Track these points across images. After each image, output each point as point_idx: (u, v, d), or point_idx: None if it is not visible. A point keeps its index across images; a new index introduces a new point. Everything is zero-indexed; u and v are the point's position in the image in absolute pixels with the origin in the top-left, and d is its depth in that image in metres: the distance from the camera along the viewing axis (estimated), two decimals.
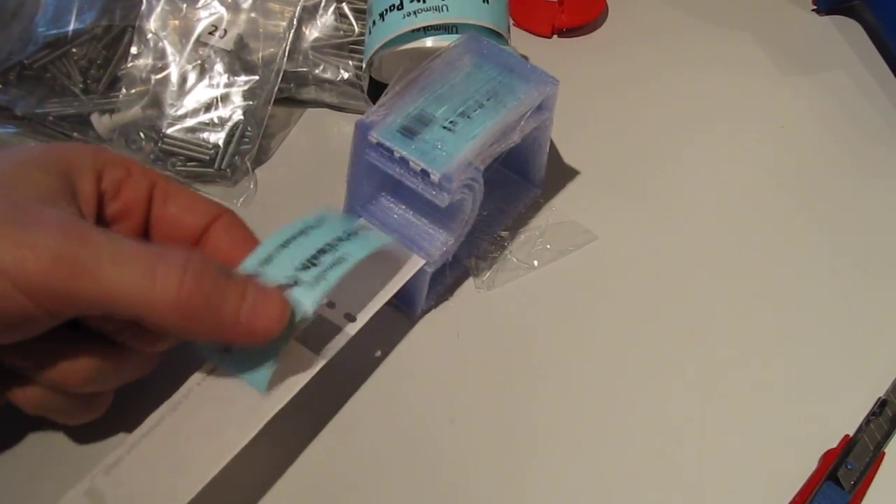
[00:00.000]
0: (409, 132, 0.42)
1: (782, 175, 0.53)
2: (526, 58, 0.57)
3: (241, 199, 0.51)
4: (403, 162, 0.42)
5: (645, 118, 0.56)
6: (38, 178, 0.34)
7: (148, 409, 0.38)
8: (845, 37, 0.61)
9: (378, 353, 0.45)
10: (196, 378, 0.40)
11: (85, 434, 0.41)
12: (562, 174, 0.52)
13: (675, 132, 0.55)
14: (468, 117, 0.43)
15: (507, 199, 0.50)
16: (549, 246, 0.49)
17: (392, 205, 0.46)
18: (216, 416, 0.40)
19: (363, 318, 0.42)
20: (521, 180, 0.51)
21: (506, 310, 0.47)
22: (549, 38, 0.60)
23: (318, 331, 0.42)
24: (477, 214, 0.45)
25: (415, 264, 0.44)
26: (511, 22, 0.55)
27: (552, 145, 0.52)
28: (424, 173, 0.41)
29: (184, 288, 0.33)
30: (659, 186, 0.52)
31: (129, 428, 0.38)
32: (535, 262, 0.48)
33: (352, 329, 0.42)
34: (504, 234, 0.49)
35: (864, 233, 0.50)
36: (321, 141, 0.54)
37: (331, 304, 0.43)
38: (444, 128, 0.42)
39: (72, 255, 0.31)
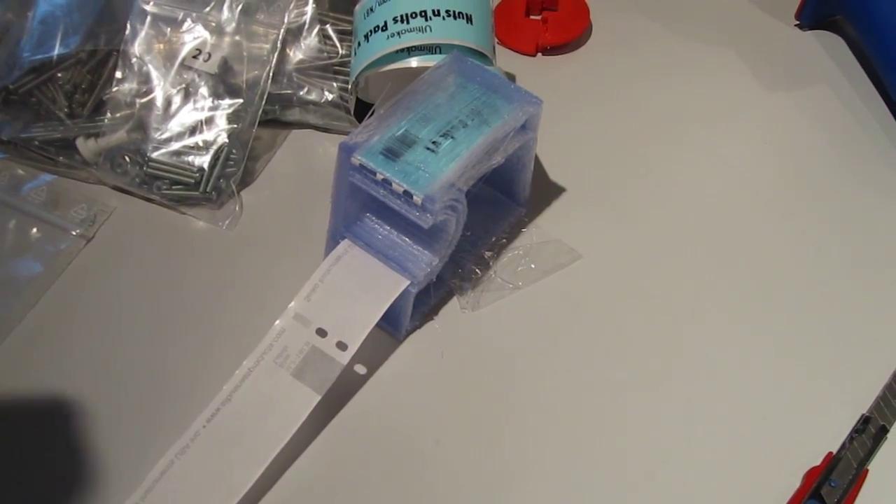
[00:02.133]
0: (392, 154, 0.42)
1: (765, 190, 0.53)
2: (512, 76, 0.58)
3: (227, 222, 0.51)
4: (386, 184, 0.42)
5: (628, 133, 0.56)
6: None
7: (158, 451, 0.38)
8: (828, 51, 0.61)
9: (363, 371, 0.45)
10: (201, 421, 0.41)
11: (99, 479, 0.41)
12: (547, 192, 0.52)
13: (659, 148, 0.55)
14: (452, 137, 0.43)
15: (491, 219, 0.50)
16: (533, 265, 0.49)
17: (376, 225, 0.46)
18: (223, 457, 0.40)
19: (353, 345, 0.43)
20: (505, 200, 0.51)
21: (490, 330, 0.47)
22: (534, 56, 0.61)
23: (313, 365, 0.42)
24: (461, 234, 0.45)
25: (399, 285, 0.44)
26: (496, 41, 0.56)
27: (537, 163, 0.52)
28: (407, 195, 0.41)
29: None
30: (643, 203, 0.52)
31: (139, 472, 0.39)
32: (520, 283, 0.48)
33: (344, 358, 0.43)
34: (489, 254, 0.49)
35: (847, 248, 0.50)
36: (306, 162, 0.54)
37: (322, 333, 0.43)
38: (428, 148, 0.43)
39: None
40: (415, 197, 0.41)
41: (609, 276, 0.49)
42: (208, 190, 0.51)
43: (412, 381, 0.45)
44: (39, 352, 0.46)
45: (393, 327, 0.46)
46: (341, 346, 0.43)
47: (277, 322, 0.43)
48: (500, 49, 0.60)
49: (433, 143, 0.43)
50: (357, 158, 0.42)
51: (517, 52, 0.61)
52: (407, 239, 0.46)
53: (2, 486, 0.41)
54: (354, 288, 0.44)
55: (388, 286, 0.44)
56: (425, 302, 0.47)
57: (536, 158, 0.52)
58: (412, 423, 0.43)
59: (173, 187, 0.51)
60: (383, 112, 0.44)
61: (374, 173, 0.42)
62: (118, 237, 0.51)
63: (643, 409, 0.44)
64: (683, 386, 0.45)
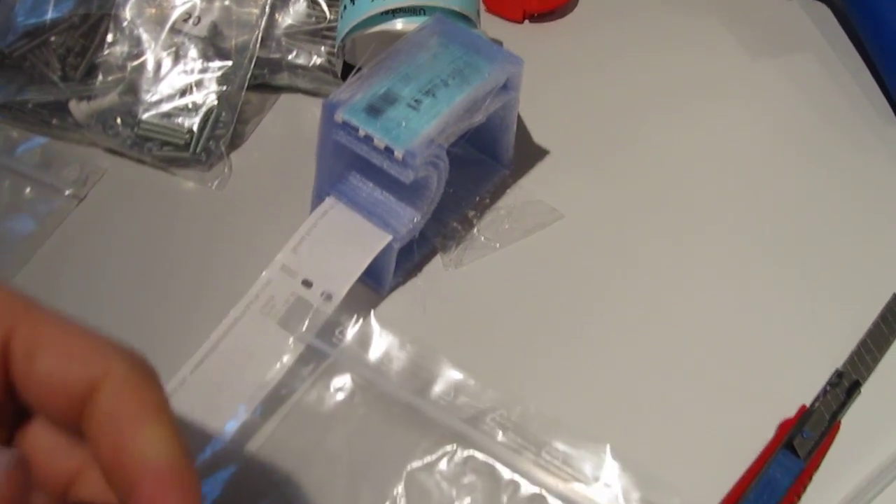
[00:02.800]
0: (374, 111, 0.43)
1: (748, 156, 0.54)
2: (499, 43, 0.58)
3: (216, 183, 0.52)
4: (368, 140, 0.43)
5: (615, 100, 0.56)
6: None
7: None
8: (814, 20, 0.62)
9: (348, 323, 0.46)
10: (188, 367, 0.42)
11: None
12: (531, 155, 0.53)
13: (644, 114, 0.56)
14: (433, 96, 0.44)
15: (475, 179, 0.51)
16: (516, 225, 0.50)
17: (360, 183, 0.47)
18: (209, 402, 0.41)
19: (338, 296, 0.44)
20: (489, 160, 0.52)
21: (473, 287, 0.48)
22: (521, 23, 0.61)
23: (298, 314, 0.43)
24: (444, 193, 0.46)
25: (382, 240, 0.45)
26: (482, 7, 0.56)
27: (522, 126, 0.53)
28: (388, 150, 0.42)
29: None
30: (626, 166, 0.53)
31: None
32: (503, 242, 0.49)
33: (328, 308, 0.44)
34: (472, 213, 0.50)
35: (827, 212, 0.51)
36: (295, 125, 0.55)
37: (308, 284, 0.44)
38: (409, 106, 0.43)
39: None
40: (396, 152, 0.42)
41: (590, 235, 0.50)
42: (198, 151, 0.52)
43: (395, 335, 0.46)
44: None
45: (377, 283, 0.47)
46: (326, 296, 0.44)
47: (264, 273, 0.44)
48: (486, 16, 0.60)
49: (415, 101, 0.44)
50: (340, 115, 0.43)
51: (504, 18, 0.62)
52: (390, 196, 0.46)
53: None
54: (339, 242, 0.45)
55: (372, 241, 0.45)
56: (409, 259, 0.48)
57: (522, 122, 0.53)
58: (394, 377, 0.44)
59: (163, 148, 0.52)
60: (367, 71, 0.45)
61: (357, 130, 0.43)
62: (110, 197, 0.52)
63: (620, 365, 0.45)
64: (662, 340, 0.46)
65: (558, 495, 0.38)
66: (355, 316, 0.45)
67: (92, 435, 0.26)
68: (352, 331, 0.45)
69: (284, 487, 0.40)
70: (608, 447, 0.39)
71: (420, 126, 0.43)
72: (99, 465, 0.26)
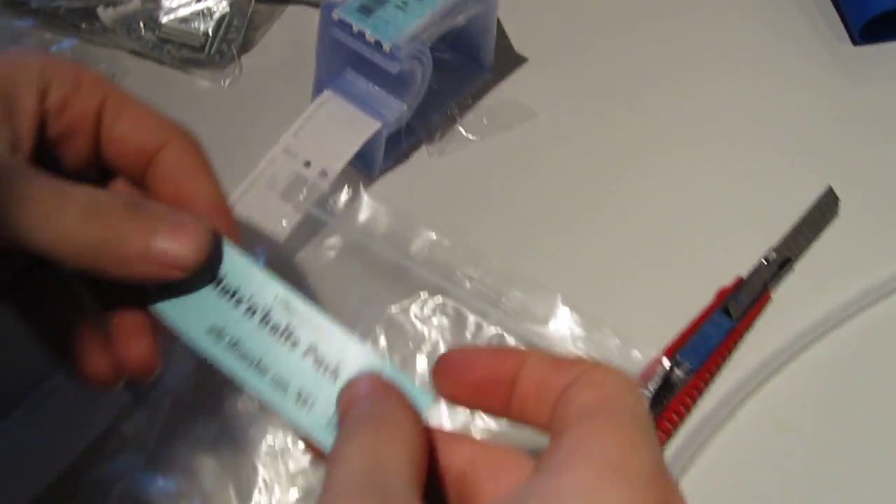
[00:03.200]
0: (366, 10, 0.49)
1: (708, 67, 0.59)
2: None
3: (227, 81, 0.58)
4: (360, 35, 0.49)
5: (591, 13, 0.62)
6: None
7: None
8: None
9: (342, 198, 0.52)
10: None
11: None
12: (510, 60, 0.59)
13: (615, 27, 0.61)
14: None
15: (458, 80, 0.57)
16: (493, 121, 0.56)
17: (354, 78, 0.53)
18: None
19: (333, 173, 0.50)
20: (471, 64, 0.58)
21: (453, 173, 0.54)
22: None
23: (297, 189, 0.50)
24: (429, 90, 0.52)
25: (372, 127, 0.51)
26: None
27: (503, 34, 0.59)
28: (378, 44, 0.48)
29: (83, 226, 0.30)
30: (596, 74, 0.59)
31: None
32: (481, 135, 0.55)
33: (324, 183, 0.50)
34: (455, 110, 0.56)
35: (777, 114, 0.57)
36: (300, 35, 0.61)
37: (307, 164, 0.50)
38: (397, 7, 0.49)
39: None
40: (384, 45, 0.48)
41: (561, 132, 0.56)
42: (212, 53, 0.58)
43: (382, 212, 0.52)
44: None
45: (368, 167, 0.54)
46: (322, 173, 0.50)
47: (270, 152, 0.50)
48: None
49: (403, 2, 0.50)
50: (337, 14, 0.49)
51: None
52: (380, 89, 0.52)
53: None
54: (335, 128, 0.51)
55: (364, 127, 0.51)
56: (397, 147, 0.54)
57: (503, 30, 0.59)
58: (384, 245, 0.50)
59: (181, 50, 0.58)
60: None
61: (351, 26, 0.49)
62: (133, 94, 0.58)
63: (578, 232, 0.51)
64: (618, 212, 0.52)
65: (515, 334, 0.45)
66: (350, 191, 0.51)
67: (155, 186, 0.35)
68: (344, 203, 0.51)
69: None
70: (559, 295, 0.45)
71: (406, 24, 0.49)
72: None
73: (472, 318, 0.46)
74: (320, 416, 0.30)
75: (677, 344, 0.47)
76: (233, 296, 0.32)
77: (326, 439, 0.30)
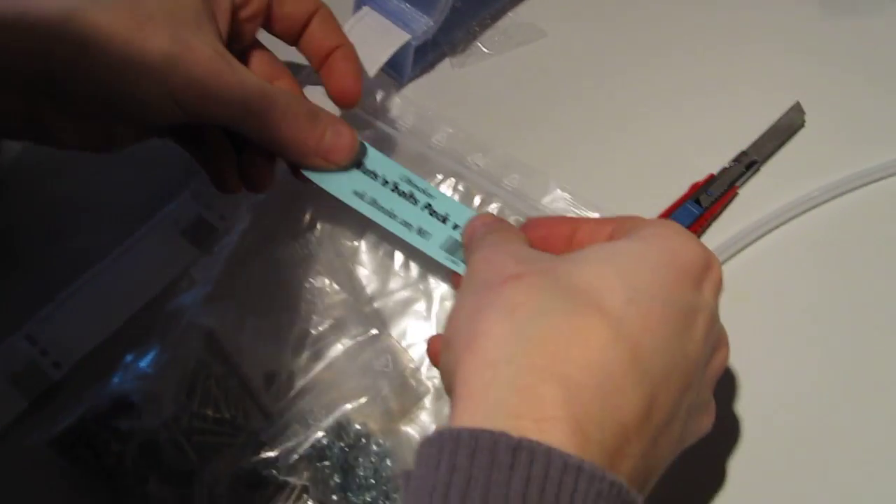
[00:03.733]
0: None
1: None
2: None
3: None
4: None
5: None
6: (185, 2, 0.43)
7: None
8: None
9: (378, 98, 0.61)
10: None
11: None
12: None
13: None
14: None
15: (479, 2, 0.65)
16: (508, 39, 0.64)
17: None
18: None
19: (370, 73, 0.59)
20: None
21: (471, 82, 0.63)
22: None
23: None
24: (453, 9, 0.60)
25: (403, 37, 0.60)
26: None
27: None
28: None
29: (279, 126, 0.46)
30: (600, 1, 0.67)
31: None
32: (497, 50, 0.64)
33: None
34: (476, 29, 0.65)
35: (755, 33, 0.65)
36: None
37: None
38: None
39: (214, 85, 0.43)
40: None
41: (564, 49, 0.64)
42: None
43: (411, 112, 0.61)
44: None
45: (399, 74, 0.62)
46: None
47: None
48: None
49: None
50: None
51: None
52: (411, 6, 0.61)
53: None
54: (371, 38, 0.60)
55: (395, 38, 0.60)
56: (424, 59, 0.63)
57: None
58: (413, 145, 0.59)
59: None
60: None
61: None
62: None
63: (575, 127, 0.60)
64: (611, 110, 0.61)
65: (514, 210, 0.54)
66: (383, 94, 0.61)
67: (310, 47, 0.52)
68: (379, 102, 0.60)
69: None
70: (551, 179, 0.55)
71: None
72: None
73: (478, 197, 0.55)
74: (435, 243, 0.48)
75: None
76: (371, 173, 0.50)
77: (439, 256, 0.48)
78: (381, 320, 0.51)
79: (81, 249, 0.54)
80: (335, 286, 0.51)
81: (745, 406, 0.50)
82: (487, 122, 0.60)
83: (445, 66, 0.64)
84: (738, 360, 0.51)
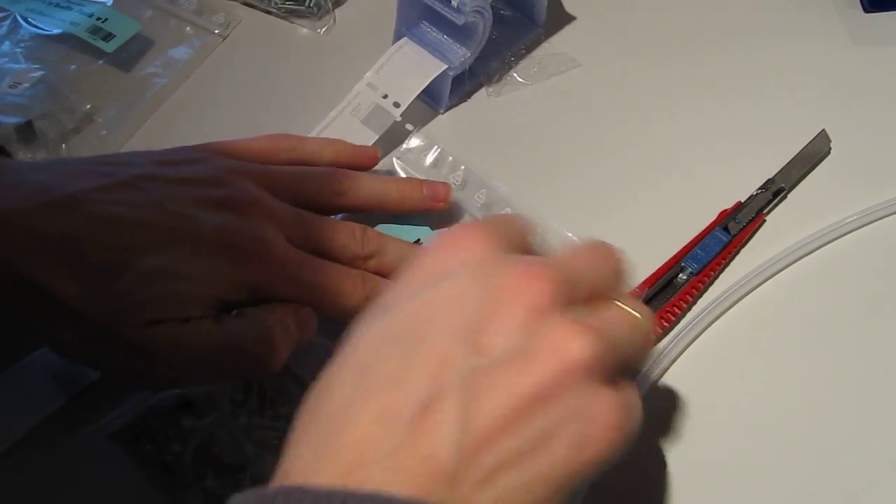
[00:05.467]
0: None
1: (736, 18, 0.69)
2: None
3: (324, 30, 0.70)
4: None
5: None
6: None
7: None
8: None
9: (411, 128, 0.63)
10: None
11: None
12: (561, 18, 0.69)
13: None
14: None
15: (514, 33, 0.68)
16: (543, 69, 0.66)
17: (428, 28, 0.64)
18: None
19: (405, 104, 0.61)
20: (526, 19, 0.68)
21: (507, 111, 0.65)
22: None
23: (376, 116, 0.61)
24: (489, 40, 0.63)
25: (440, 67, 0.62)
26: None
27: None
28: (447, 0, 0.59)
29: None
30: (636, 32, 0.69)
31: None
32: (532, 80, 0.66)
33: (397, 113, 0.61)
34: (511, 59, 0.67)
35: (785, 62, 0.66)
36: None
37: (384, 96, 0.62)
38: None
39: None
40: (452, 1, 0.59)
41: (599, 80, 0.66)
42: (311, 5, 0.70)
43: (449, 139, 0.63)
44: (186, 114, 0.66)
45: (436, 102, 0.65)
46: (396, 104, 0.61)
47: (356, 86, 0.62)
48: None
49: None
50: None
51: None
52: (448, 38, 0.63)
53: None
54: (409, 68, 0.62)
55: (432, 68, 0.62)
56: (461, 88, 0.65)
57: None
58: (447, 166, 0.61)
59: (286, 3, 0.70)
60: None
61: None
62: (245, 37, 0.70)
63: (612, 163, 0.61)
64: (646, 147, 0.62)
65: None
66: (419, 125, 0.63)
67: None
68: (415, 139, 0.62)
69: None
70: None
71: None
72: None
73: None
74: None
75: (683, 252, 0.57)
76: None
77: None
78: None
79: None
80: None
81: (768, 432, 0.51)
82: (522, 149, 0.63)
83: (482, 95, 0.66)
84: (763, 386, 0.52)
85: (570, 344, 0.33)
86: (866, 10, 0.69)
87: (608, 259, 0.39)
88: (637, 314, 0.38)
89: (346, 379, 0.34)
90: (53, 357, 0.53)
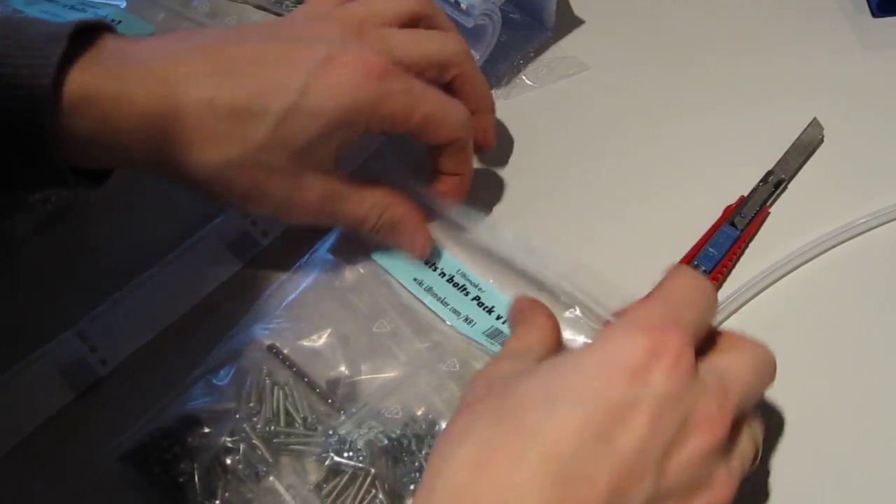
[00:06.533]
0: None
1: (745, 22, 0.70)
2: None
3: None
4: None
5: None
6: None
7: None
8: None
9: None
10: None
11: None
12: (569, 21, 0.70)
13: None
14: None
15: (523, 36, 0.68)
16: (551, 72, 0.67)
17: None
18: None
19: None
20: (535, 23, 0.69)
21: (516, 114, 0.65)
22: None
23: None
24: (498, 43, 0.63)
25: None
26: None
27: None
28: (457, 3, 0.60)
29: (362, 230, 0.54)
30: (643, 36, 0.69)
31: None
32: (540, 83, 0.66)
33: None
34: (520, 62, 0.67)
35: (792, 64, 0.67)
36: None
37: None
38: None
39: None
40: (462, 4, 0.60)
41: (607, 83, 0.66)
42: None
43: None
44: None
45: None
46: None
47: None
48: None
49: None
50: None
51: None
52: None
53: None
54: None
55: None
56: None
57: None
58: None
59: (296, 5, 0.71)
60: None
61: None
62: None
63: (617, 164, 0.62)
64: (652, 149, 0.63)
65: None
66: None
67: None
68: None
69: None
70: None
71: None
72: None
73: None
74: (479, 329, 0.53)
75: (694, 250, 0.57)
76: (431, 265, 0.56)
77: (481, 339, 0.52)
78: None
79: (135, 256, 0.57)
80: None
81: (779, 434, 0.51)
82: (530, 152, 0.63)
83: None
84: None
85: (729, 489, 0.39)
86: (874, 15, 0.70)
87: (769, 375, 0.44)
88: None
89: (538, 469, 0.36)
90: (62, 353, 0.53)
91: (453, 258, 0.56)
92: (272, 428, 0.49)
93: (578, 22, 0.70)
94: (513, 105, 0.66)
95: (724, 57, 0.68)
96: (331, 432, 0.49)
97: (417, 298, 0.55)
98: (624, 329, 0.39)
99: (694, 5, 0.71)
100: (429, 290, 0.55)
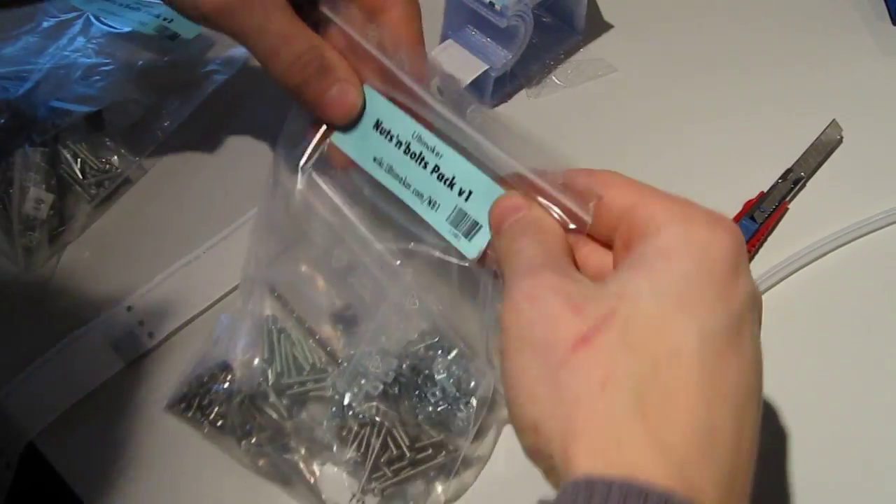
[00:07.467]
0: None
1: (769, 30, 0.73)
2: None
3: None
4: None
5: None
6: None
7: None
8: None
9: None
10: None
11: None
12: (599, 25, 0.73)
13: (689, 2, 0.74)
14: None
15: (554, 39, 0.71)
16: (581, 73, 0.70)
17: (473, 32, 0.68)
18: None
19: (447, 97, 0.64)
20: (566, 26, 0.72)
21: (545, 112, 0.68)
22: None
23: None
24: (530, 45, 0.66)
25: (482, 67, 0.66)
26: None
27: (595, 4, 0.73)
28: (491, 4, 0.63)
29: (288, 69, 0.47)
30: (670, 40, 0.72)
31: None
32: (569, 83, 0.69)
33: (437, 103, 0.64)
34: (550, 63, 0.70)
35: (805, 66, 0.70)
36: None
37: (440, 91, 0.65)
38: None
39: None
40: (496, 5, 0.63)
41: (634, 85, 0.69)
42: None
43: None
44: (242, 108, 0.70)
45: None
46: (440, 91, 0.63)
47: None
48: None
49: None
50: None
51: None
52: (492, 41, 0.67)
53: None
54: (453, 67, 0.66)
55: (475, 67, 0.66)
56: (502, 89, 0.69)
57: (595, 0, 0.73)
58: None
59: None
60: None
61: None
62: None
63: (642, 158, 0.64)
64: (676, 146, 0.66)
65: None
66: None
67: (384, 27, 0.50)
68: None
69: None
70: None
71: None
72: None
73: None
74: (442, 215, 0.46)
75: None
76: (387, 133, 0.49)
77: (445, 232, 0.46)
78: None
79: (183, 237, 0.60)
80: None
81: (787, 423, 0.53)
82: (559, 147, 0.65)
83: (522, 96, 0.69)
84: (783, 379, 0.54)
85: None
86: (895, 23, 0.72)
87: None
88: None
89: (715, 405, 0.33)
90: (113, 326, 0.57)
91: (407, 118, 0.48)
92: (284, 381, 0.53)
93: (607, 26, 0.73)
94: (543, 104, 0.69)
95: (749, 62, 0.70)
96: (333, 409, 0.52)
97: (381, 184, 0.49)
98: (705, 226, 0.38)
99: (720, 12, 0.74)
100: (389, 170, 0.48)
